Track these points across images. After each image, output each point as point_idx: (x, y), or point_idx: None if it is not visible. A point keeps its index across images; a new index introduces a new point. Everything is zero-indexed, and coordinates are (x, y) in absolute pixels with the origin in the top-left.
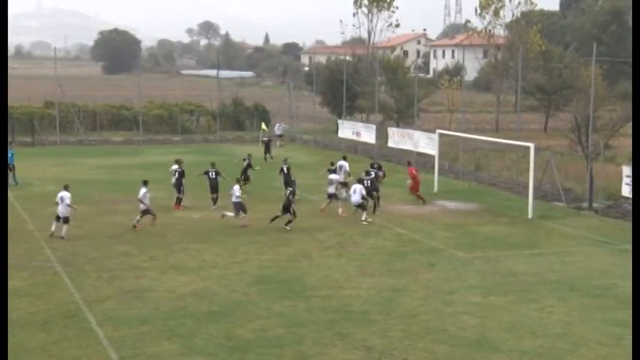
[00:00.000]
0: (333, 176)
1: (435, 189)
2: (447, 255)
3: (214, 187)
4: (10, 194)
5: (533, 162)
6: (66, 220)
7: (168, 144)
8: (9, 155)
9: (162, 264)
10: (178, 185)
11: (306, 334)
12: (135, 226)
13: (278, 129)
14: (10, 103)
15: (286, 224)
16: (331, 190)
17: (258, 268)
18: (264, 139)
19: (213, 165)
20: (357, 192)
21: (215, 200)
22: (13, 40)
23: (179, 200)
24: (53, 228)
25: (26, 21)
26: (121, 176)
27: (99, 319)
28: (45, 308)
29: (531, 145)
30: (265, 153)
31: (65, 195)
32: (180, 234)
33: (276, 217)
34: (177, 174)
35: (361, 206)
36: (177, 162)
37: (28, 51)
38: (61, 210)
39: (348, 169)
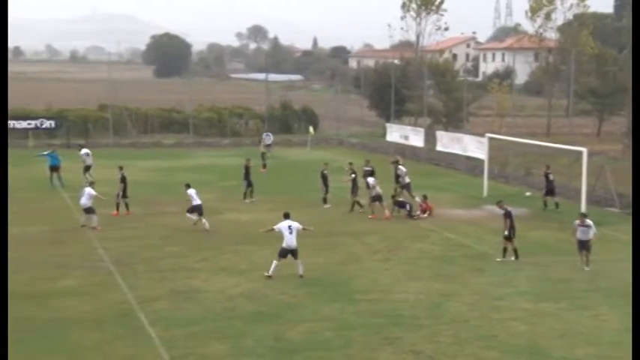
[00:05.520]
0: (370, 179)
1: (485, 193)
2: (495, 260)
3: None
4: (65, 195)
5: (585, 167)
6: (87, 210)
7: (218, 147)
8: (53, 157)
9: (213, 265)
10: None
11: (355, 337)
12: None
13: (267, 138)
14: (65, 106)
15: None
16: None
17: (307, 271)
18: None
19: (121, 169)
20: None
21: (118, 206)
22: (69, 44)
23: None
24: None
25: (81, 26)
26: (172, 178)
27: (151, 318)
28: (99, 307)
29: (584, 150)
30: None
31: (88, 190)
32: (230, 235)
33: None
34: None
35: None
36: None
37: (82, 55)
38: (82, 202)
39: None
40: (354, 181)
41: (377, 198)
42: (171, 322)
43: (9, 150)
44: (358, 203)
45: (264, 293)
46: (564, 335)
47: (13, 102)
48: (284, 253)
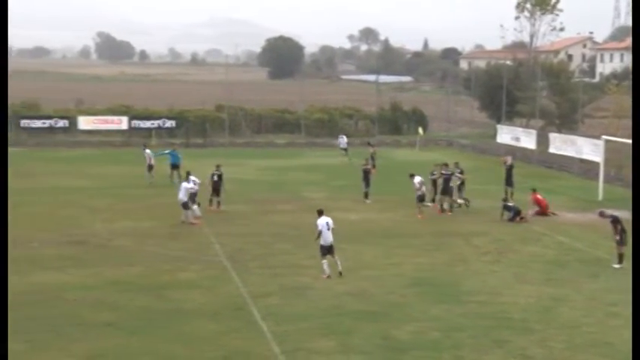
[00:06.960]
0: (417, 179)
1: (600, 197)
2: (611, 266)
3: (216, 190)
4: None
5: None
6: (184, 205)
7: (328, 147)
8: (174, 156)
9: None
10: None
11: (463, 339)
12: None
13: (341, 142)
14: (185, 106)
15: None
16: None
17: (414, 271)
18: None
19: (218, 167)
20: None
21: (211, 202)
22: (189, 47)
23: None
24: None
25: (201, 30)
26: (284, 177)
27: (262, 313)
28: (214, 300)
29: None
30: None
31: (184, 185)
32: (337, 234)
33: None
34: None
35: None
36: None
37: (202, 58)
38: (180, 197)
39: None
40: (447, 180)
41: (421, 198)
42: (282, 317)
43: (131, 149)
44: (456, 202)
45: (370, 292)
46: None
47: (139, 102)
48: (325, 250)
